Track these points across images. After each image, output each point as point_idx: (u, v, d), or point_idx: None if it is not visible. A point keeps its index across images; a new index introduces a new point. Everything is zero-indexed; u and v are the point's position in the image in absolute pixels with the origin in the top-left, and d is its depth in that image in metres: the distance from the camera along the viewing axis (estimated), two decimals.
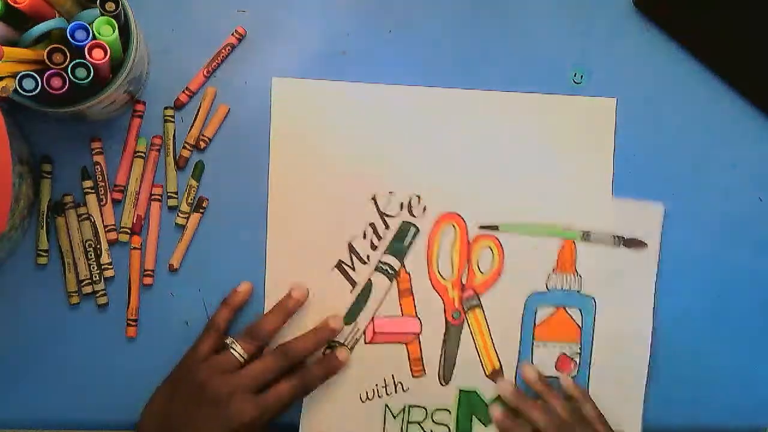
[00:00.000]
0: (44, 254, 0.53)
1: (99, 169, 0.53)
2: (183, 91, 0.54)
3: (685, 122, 0.58)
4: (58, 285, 0.53)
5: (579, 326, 0.57)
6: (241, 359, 0.50)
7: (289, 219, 0.55)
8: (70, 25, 0.43)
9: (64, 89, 0.44)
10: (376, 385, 0.55)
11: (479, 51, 0.56)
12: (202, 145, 0.54)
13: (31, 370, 0.53)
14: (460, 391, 0.56)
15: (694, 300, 0.58)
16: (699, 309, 0.58)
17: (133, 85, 0.50)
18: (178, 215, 0.54)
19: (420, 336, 0.56)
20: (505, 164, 0.57)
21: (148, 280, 0.54)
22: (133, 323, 0.53)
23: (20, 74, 0.43)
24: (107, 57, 0.44)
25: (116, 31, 0.44)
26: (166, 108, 0.54)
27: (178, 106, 0.54)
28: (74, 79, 0.44)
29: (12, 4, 0.41)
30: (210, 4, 0.54)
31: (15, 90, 0.43)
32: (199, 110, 0.54)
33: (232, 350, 0.50)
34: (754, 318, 0.58)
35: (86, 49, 0.44)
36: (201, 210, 0.54)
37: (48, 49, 0.43)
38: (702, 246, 0.58)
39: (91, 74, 0.44)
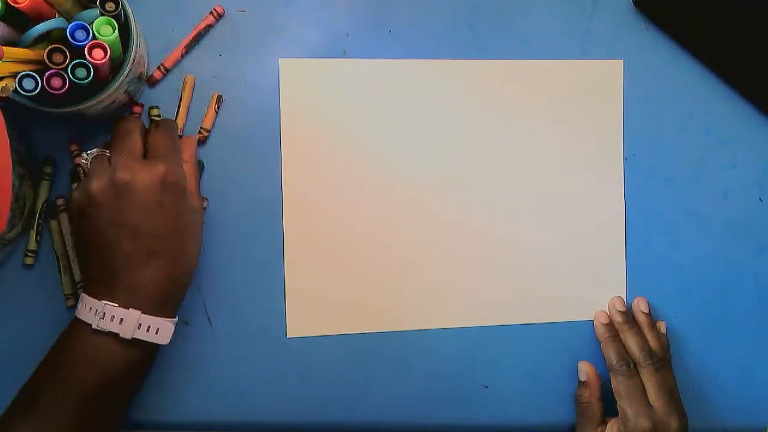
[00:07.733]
0: (31, 255, 0.52)
1: None
2: (157, 68, 0.53)
3: (685, 122, 0.58)
4: (56, 286, 0.53)
5: None
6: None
7: (305, 207, 0.55)
8: (70, 25, 0.43)
9: (64, 89, 0.44)
10: None
11: (479, 52, 0.56)
12: (200, 137, 0.54)
13: (29, 371, 0.53)
14: None
15: (694, 300, 0.58)
16: (699, 309, 0.58)
17: (132, 85, 0.50)
18: None
19: None
20: (515, 132, 0.57)
21: None
22: None
23: (20, 74, 0.43)
24: (107, 57, 0.44)
25: (116, 31, 0.44)
26: (152, 107, 0.53)
27: (153, 83, 0.53)
28: (74, 79, 0.44)
29: (12, 4, 0.41)
30: (210, 4, 0.54)
31: (15, 90, 0.43)
32: (180, 100, 0.53)
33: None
34: (754, 318, 0.58)
35: (86, 49, 0.43)
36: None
37: (48, 49, 0.43)
38: (702, 246, 0.58)
39: (91, 74, 0.44)
